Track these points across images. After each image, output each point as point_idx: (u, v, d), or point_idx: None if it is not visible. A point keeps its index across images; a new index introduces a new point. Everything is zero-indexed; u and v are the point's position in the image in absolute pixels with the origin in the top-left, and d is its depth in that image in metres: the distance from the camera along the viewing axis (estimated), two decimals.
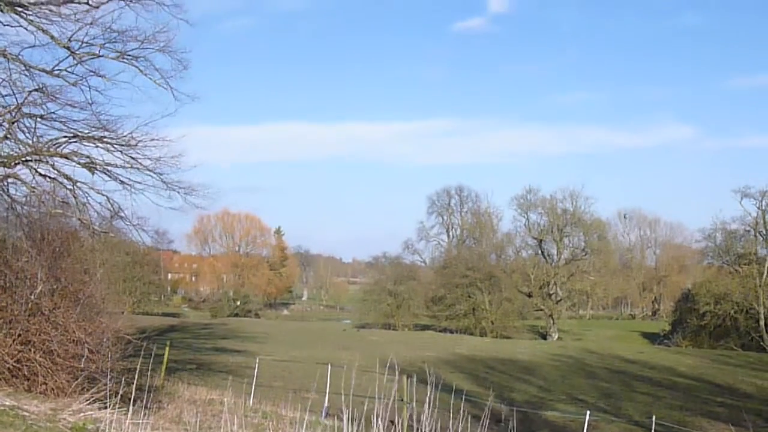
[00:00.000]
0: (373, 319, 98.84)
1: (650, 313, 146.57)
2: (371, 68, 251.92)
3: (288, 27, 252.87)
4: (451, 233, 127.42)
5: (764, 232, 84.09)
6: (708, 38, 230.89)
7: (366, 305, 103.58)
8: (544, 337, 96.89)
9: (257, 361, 28.65)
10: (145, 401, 15.76)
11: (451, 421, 13.22)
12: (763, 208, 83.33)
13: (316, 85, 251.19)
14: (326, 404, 24.11)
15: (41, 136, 21.85)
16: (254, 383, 26.19)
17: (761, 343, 77.16)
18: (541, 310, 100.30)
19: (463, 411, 13.59)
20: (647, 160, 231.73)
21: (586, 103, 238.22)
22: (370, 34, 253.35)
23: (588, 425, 19.49)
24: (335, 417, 19.71)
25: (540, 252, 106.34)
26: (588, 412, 19.99)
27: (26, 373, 16.65)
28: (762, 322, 78.74)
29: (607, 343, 77.53)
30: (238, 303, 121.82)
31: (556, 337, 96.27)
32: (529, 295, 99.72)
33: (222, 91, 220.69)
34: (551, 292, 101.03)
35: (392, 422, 12.04)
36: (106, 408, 14.21)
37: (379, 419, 11.02)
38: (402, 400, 19.39)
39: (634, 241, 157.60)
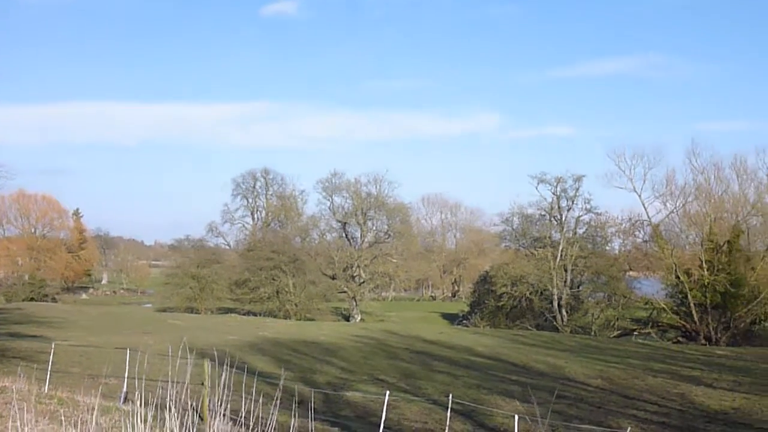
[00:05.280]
0: (175, 302, 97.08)
1: (450, 295, 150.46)
2: (188, 49, 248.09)
3: (100, 3, 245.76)
4: (256, 216, 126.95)
5: (558, 217, 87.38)
6: (517, 30, 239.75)
7: (168, 289, 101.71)
8: (347, 318, 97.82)
9: (53, 346, 27.71)
10: None
11: (252, 404, 13.17)
12: (558, 193, 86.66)
13: (128, 64, 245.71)
14: (124, 389, 23.57)
15: None
16: (49, 369, 25.32)
17: (554, 323, 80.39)
18: (345, 292, 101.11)
19: (255, 391, 13.60)
20: (453, 146, 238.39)
21: (399, 89, 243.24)
22: (185, 11, 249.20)
23: (388, 405, 19.75)
24: (137, 402, 19.34)
25: (344, 235, 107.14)
26: (388, 392, 20.26)
27: None
28: (555, 303, 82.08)
29: (409, 324, 78.93)
30: (34, 287, 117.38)
31: (359, 318, 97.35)
32: (333, 278, 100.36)
33: (28, 69, 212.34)
34: (355, 275, 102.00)
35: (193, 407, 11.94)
36: None
37: (174, 403, 10.86)
38: (202, 384, 19.19)
39: (436, 225, 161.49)
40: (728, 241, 75.58)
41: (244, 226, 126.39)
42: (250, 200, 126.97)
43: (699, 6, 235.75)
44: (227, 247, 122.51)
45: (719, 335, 73.15)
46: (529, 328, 78.25)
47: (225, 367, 12.88)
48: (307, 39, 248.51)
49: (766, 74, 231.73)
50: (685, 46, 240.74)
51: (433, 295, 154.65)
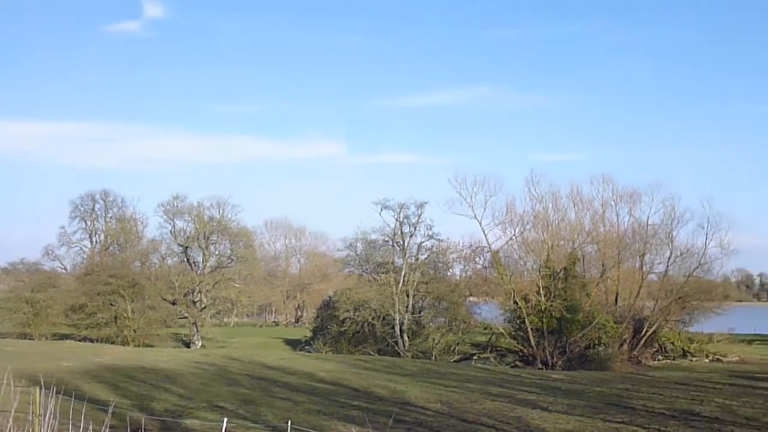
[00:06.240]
0: (7, 328, 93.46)
1: (294, 320, 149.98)
2: (24, 64, 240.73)
3: None
4: (94, 239, 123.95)
5: (401, 243, 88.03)
6: (361, 60, 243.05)
7: (0, 314, 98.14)
8: (187, 345, 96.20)
9: None
10: None
11: None
12: (401, 219, 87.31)
13: None
14: None
15: None
16: None
17: (396, 348, 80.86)
18: (186, 317, 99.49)
19: (87, 419, 13.13)
20: (297, 172, 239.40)
21: (242, 114, 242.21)
22: (26, 26, 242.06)
23: None
24: None
25: (186, 259, 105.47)
26: (226, 419, 19.89)
27: None
28: (397, 328, 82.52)
29: (251, 350, 78.11)
30: None
31: (200, 344, 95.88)
32: (174, 303, 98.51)
33: None
34: (196, 300, 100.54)
35: None
36: None
37: None
38: (32, 412, 18.46)
39: (279, 250, 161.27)
40: (565, 268, 77.83)
41: (81, 249, 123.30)
42: (89, 223, 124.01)
43: (529, 41, 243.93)
44: (64, 271, 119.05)
45: (555, 359, 75.09)
46: (372, 353, 78.43)
47: (53, 394, 12.36)
48: (150, 60, 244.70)
49: (598, 107, 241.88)
50: (516, 78, 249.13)
51: (276, 320, 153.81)
